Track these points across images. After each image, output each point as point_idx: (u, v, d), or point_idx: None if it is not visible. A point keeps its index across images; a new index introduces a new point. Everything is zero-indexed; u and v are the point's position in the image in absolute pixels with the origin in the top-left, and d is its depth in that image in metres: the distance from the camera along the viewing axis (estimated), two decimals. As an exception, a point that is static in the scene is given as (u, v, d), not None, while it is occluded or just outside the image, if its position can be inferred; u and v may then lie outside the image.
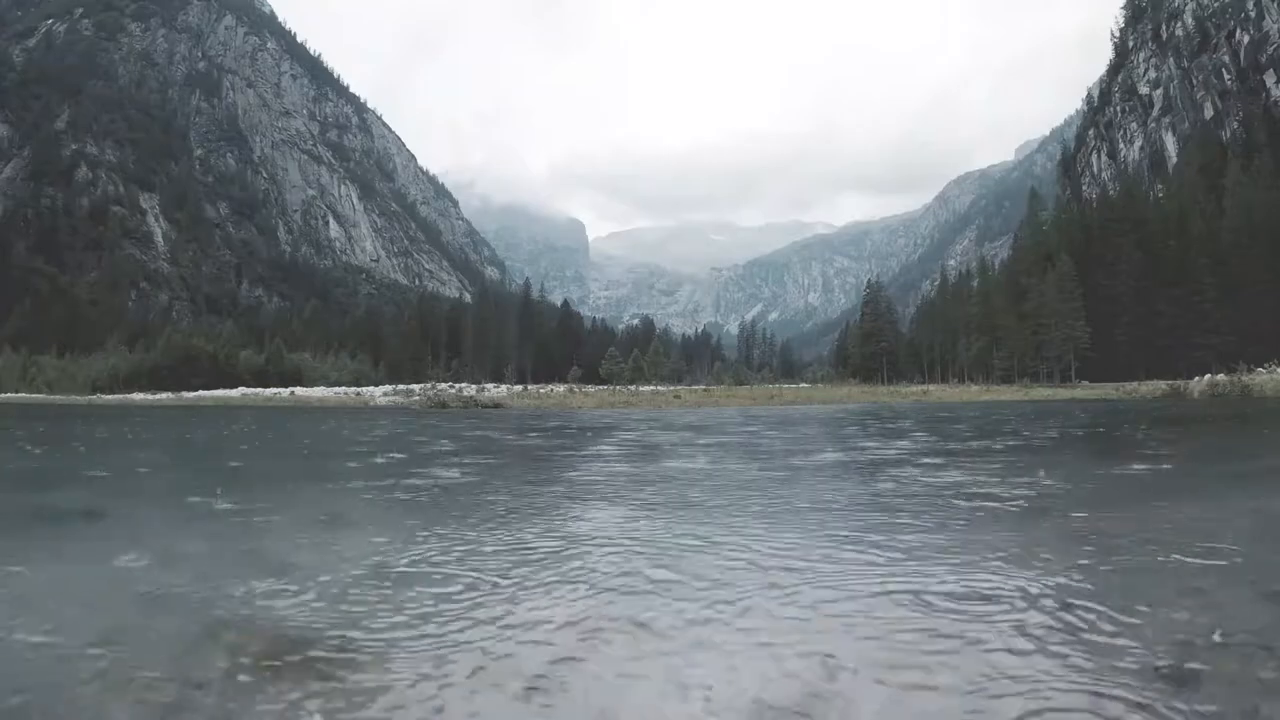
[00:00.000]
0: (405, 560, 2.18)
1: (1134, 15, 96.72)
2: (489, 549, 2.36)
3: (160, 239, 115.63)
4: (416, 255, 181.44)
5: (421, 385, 33.70)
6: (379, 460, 6.25)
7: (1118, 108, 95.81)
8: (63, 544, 2.57)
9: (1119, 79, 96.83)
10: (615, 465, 5.23)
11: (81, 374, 50.06)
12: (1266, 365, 21.89)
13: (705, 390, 35.34)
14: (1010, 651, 1.36)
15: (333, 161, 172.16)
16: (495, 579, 1.97)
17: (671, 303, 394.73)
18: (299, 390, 36.10)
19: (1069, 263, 50.79)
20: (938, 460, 5.40)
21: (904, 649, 1.38)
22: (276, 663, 1.32)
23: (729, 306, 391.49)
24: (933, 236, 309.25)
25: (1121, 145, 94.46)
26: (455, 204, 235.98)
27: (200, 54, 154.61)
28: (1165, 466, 5.09)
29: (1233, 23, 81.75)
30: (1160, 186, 73.51)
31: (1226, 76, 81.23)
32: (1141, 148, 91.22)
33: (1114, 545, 2.30)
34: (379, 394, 28.76)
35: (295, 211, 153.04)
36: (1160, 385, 24.39)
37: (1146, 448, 6.83)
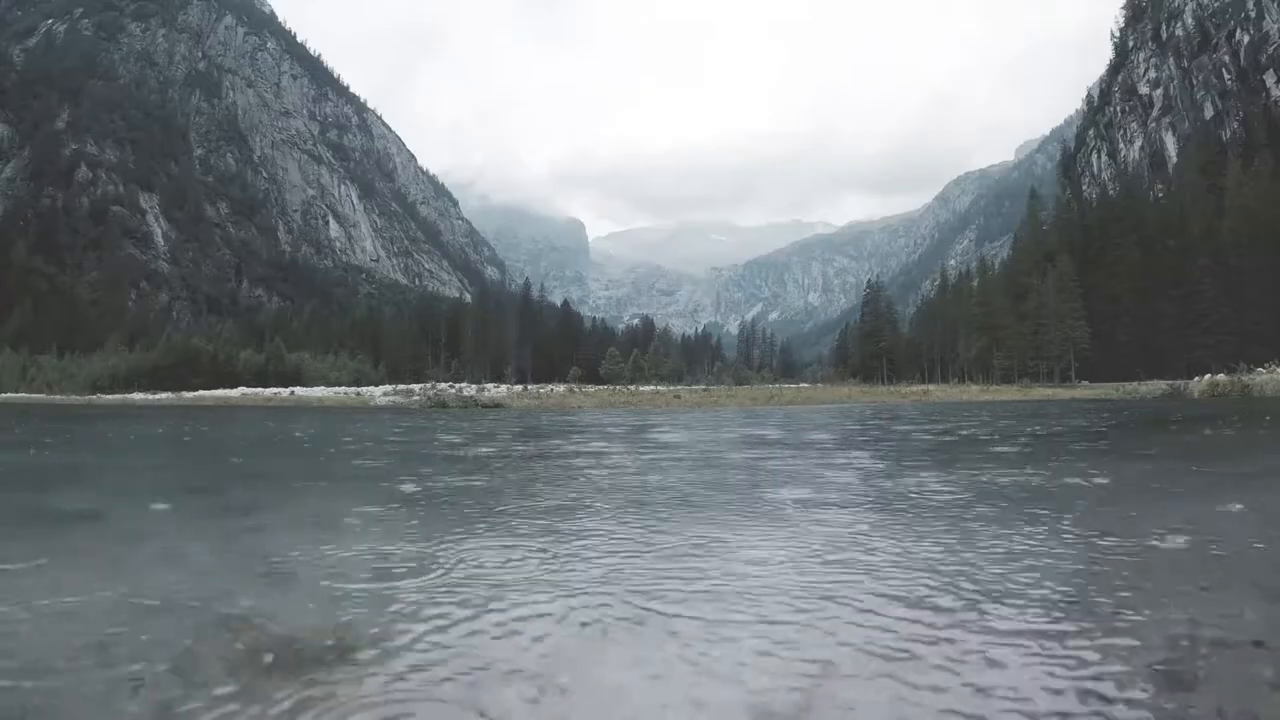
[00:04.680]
0: (406, 560, 2.18)
1: (1134, 15, 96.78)
2: (489, 549, 2.36)
3: (160, 239, 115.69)
4: (416, 255, 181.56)
5: (421, 385, 33.69)
6: (379, 460, 6.24)
7: (1118, 108, 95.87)
8: (62, 543, 2.57)
9: (1119, 79, 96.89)
10: (607, 460, 5.24)
11: (82, 374, 50.04)
12: (1266, 365, 21.85)
13: (705, 390, 35.32)
14: (1009, 652, 1.36)
15: (333, 161, 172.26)
16: (496, 579, 1.97)
17: (671, 303, 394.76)
18: (299, 390, 36.08)
19: (1069, 263, 50.83)
20: (939, 461, 5.40)
21: (903, 649, 1.38)
22: (276, 663, 1.33)
23: (729, 306, 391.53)
24: (933, 236, 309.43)
25: (1121, 145, 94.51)
26: (455, 204, 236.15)
27: (200, 54, 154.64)
28: (1163, 465, 5.09)
29: (1233, 23, 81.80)
30: (1160, 186, 73.61)
31: (1226, 76, 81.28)
32: (1141, 148, 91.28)
33: (1114, 544, 2.30)
34: (379, 394, 28.74)
35: (295, 211, 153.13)
36: (1160, 385, 24.36)
37: (1144, 447, 6.82)
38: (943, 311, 64.46)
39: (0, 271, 75.37)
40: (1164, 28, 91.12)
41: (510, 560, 2.19)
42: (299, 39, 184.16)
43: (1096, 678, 1.24)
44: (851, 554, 2.23)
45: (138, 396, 35.70)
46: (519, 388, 36.64)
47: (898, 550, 2.26)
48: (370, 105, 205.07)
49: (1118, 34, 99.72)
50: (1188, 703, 1.14)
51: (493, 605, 1.71)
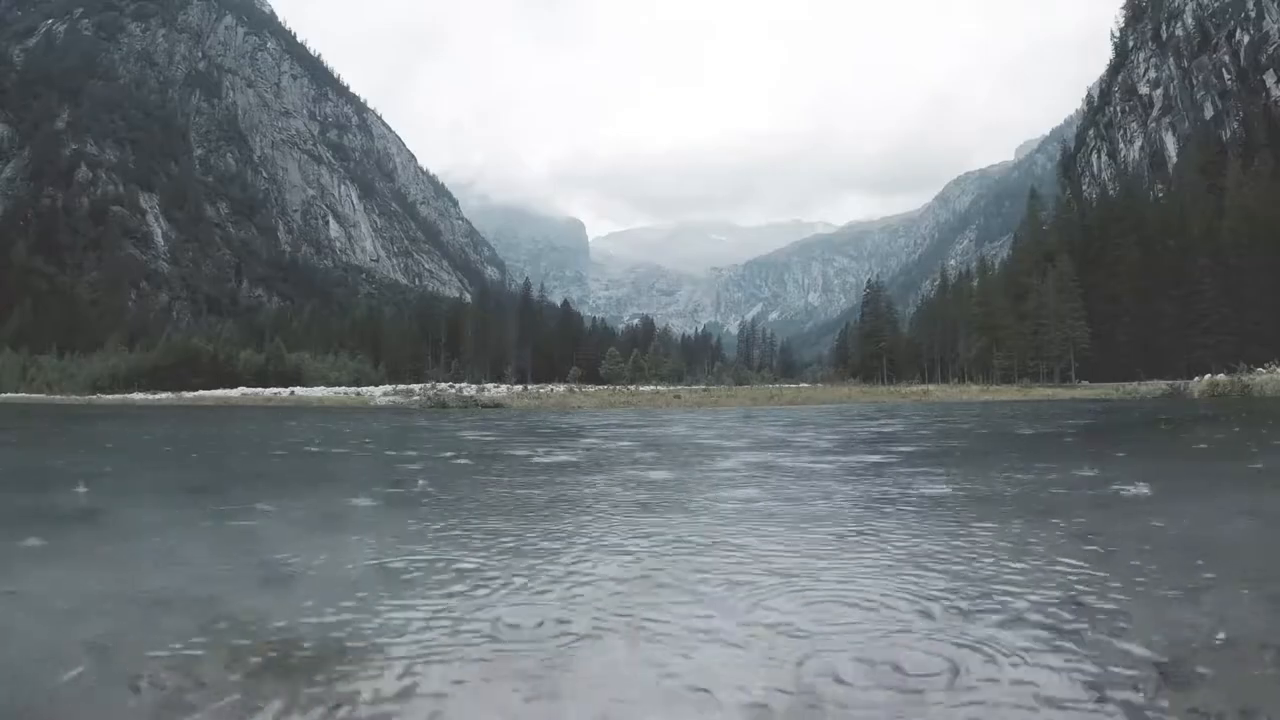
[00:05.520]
0: (405, 560, 2.18)
1: (1134, 15, 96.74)
2: (488, 549, 2.36)
3: (160, 239, 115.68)
4: (416, 255, 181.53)
5: (421, 385, 33.69)
6: (378, 461, 6.25)
7: (1118, 108, 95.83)
8: (62, 542, 2.57)
9: (1119, 79, 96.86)
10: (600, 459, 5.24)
11: (82, 374, 50.04)
12: (1266, 365, 21.85)
13: (705, 390, 35.32)
14: (1009, 652, 1.36)
15: (333, 161, 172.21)
16: (495, 579, 1.97)
17: (671, 303, 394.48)
18: (299, 390, 36.10)
19: (1069, 263, 50.82)
20: (940, 461, 5.40)
21: (902, 650, 1.38)
22: (276, 663, 1.34)
23: (729, 306, 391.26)
24: (933, 236, 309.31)
25: (1121, 145, 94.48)
26: (455, 204, 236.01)
27: (200, 54, 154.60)
28: (1163, 465, 5.09)
29: (1233, 23, 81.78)
30: (1160, 186, 73.59)
31: (1226, 76, 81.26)
32: (1141, 148, 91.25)
33: (1114, 545, 2.30)
34: (379, 394, 28.74)
35: (295, 211, 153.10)
36: (1160, 385, 24.38)
37: (1143, 447, 6.83)
38: (943, 311, 64.42)
39: (0, 271, 75.34)
40: (1164, 28, 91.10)
41: (508, 560, 2.19)
42: (299, 39, 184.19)
43: (1096, 677, 1.23)
44: (852, 553, 2.23)
45: (138, 396, 35.69)
46: (519, 388, 36.63)
47: (897, 550, 2.26)
48: (370, 105, 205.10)
49: (1118, 34, 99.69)
50: (1188, 703, 1.13)
51: (491, 605, 1.72)
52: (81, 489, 4.04)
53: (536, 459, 5.74)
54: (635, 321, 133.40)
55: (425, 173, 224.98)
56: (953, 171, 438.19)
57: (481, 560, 2.19)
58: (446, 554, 2.27)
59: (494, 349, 70.51)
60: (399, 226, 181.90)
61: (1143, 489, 3.54)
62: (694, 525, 2.76)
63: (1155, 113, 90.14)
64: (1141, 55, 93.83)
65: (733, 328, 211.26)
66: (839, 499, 3.43)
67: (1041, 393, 29.80)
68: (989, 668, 1.29)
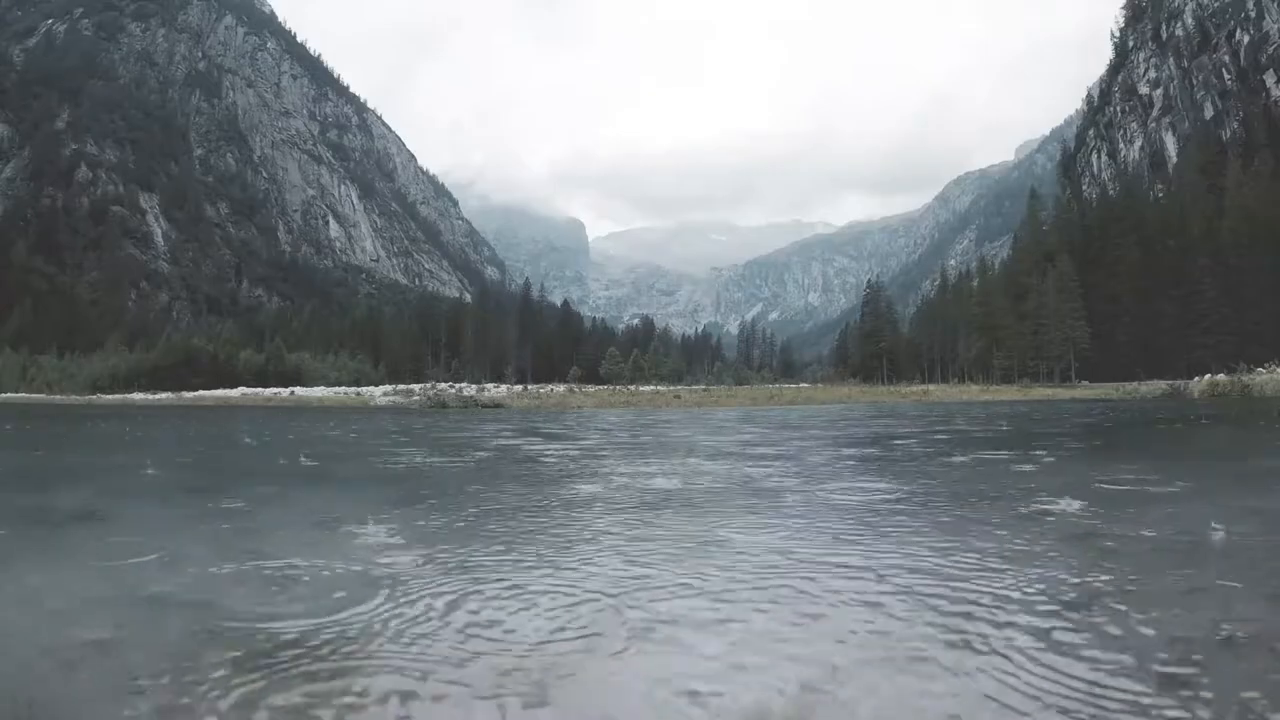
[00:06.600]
0: (405, 560, 2.18)
1: (1134, 15, 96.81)
2: (488, 550, 2.36)
3: (160, 239, 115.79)
4: (416, 255, 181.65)
5: (421, 385, 33.70)
6: (378, 462, 6.24)
7: (1118, 108, 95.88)
8: (62, 543, 2.57)
9: (1119, 79, 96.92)
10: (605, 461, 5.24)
11: (82, 374, 50.11)
12: (1266, 365, 21.84)
13: (705, 390, 35.32)
14: (1009, 652, 1.36)
15: (333, 161, 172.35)
16: (495, 580, 1.97)
17: (671, 303, 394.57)
18: (299, 390, 36.13)
19: (1069, 263, 50.84)
20: (939, 461, 5.41)
21: (903, 650, 1.38)
22: (277, 663, 1.34)
23: (729, 306, 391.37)
24: (933, 236, 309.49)
25: (1121, 145, 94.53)
26: (455, 204, 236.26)
27: (200, 54, 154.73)
28: (1163, 465, 5.09)
29: (1233, 23, 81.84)
30: (1160, 186, 73.64)
31: (1226, 76, 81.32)
32: (1141, 148, 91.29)
33: (1114, 545, 2.30)
34: (379, 394, 28.76)
35: (295, 211, 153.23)
36: (1160, 385, 24.38)
37: (1142, 447, 6.83)
38: (943, 311, 64.45)
39: (0, 271, 75.37)
40: (1164, 28, 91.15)
41: (507, 560, 2.19)
42: (299, 39, 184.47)
43: (1096, 677, 1.24)
44: (850, 554, 2.23)
45: (138, 396, 35.73)
46: (519, 388, 36.64)
47: (894, 550, 2.26)
48: (370, 105, 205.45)
49: (1118, 34, 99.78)
50: (1188, 703, 1.14)
51: (491, 605, 1.71)
52: (81, 489, 4.04)
53: (535, 459, 5.74)
54: (635, 321, 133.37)
55: (425, 173, 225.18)
56: (953, 171, 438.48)
57: (481, 561, 2.19)
58: (447, 554, 2.27)
59: (494, 349, 70.56)
60: (399, 226, 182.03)
61: (1142, 488, 3.54)
62: (694, 525, 2.76)
63: (1155, 113, 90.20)
64: (1141, 55, 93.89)
65: (733, 328, 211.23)
66: (837, 499, 3.43)
67: (1041, 393, 29.79)
68: (987, 668, 1.29)
